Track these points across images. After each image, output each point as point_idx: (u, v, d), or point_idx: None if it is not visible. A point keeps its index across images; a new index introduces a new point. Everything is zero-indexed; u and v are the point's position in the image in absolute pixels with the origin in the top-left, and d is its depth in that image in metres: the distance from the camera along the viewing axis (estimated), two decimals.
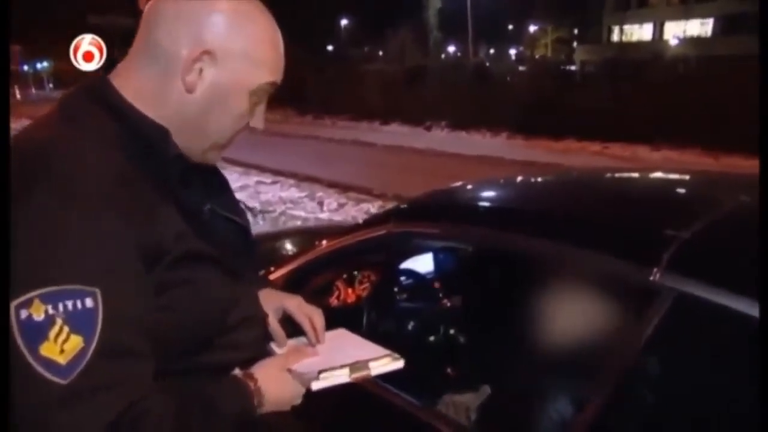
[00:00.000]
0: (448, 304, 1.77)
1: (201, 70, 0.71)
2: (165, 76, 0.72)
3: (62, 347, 0.59)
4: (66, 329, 0.60)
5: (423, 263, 1.87)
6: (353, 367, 0.81)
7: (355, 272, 1.82)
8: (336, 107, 17.46)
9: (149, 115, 0.73)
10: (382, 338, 0.98)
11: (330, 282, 1.78)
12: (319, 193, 7.25)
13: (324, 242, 1.65)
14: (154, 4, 0.73)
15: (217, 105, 0.74)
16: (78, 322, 0.60)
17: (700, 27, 30.67)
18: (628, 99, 11.19)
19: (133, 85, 0.73)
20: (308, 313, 0.92)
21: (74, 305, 0.60)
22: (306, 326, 0.91)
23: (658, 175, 1.78)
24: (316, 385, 0.78)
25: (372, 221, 1.62)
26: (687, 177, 1.70)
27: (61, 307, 0.60)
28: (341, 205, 6.62)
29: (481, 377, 1.41)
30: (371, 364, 0.83)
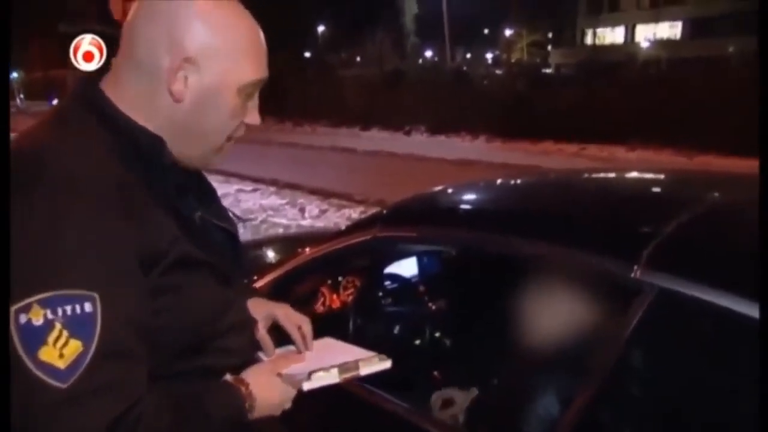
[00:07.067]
0: (434, 307, 1.78)
1: (186, 78, 0.71)
2: (151, 87, 0.72)
3: (61, 352, 0.60)
4: (65, 334, 0.60)
5: (408, 267, 1.87)
6: (342, 367, 0.83)
7: (340, 278, 1.82)
8: (315, 113, 17.40)
9: (143, 125, 0.73)
10: (368, 343, 0.98)
11: (315, 288, 1.77)
12: (301, 200, 7.21)
13: (307, 249, 1.64)
14: (132, 12, 0.72)
15: (207, 108, 0.73)
16: (77, 327, 0.60)
17: (670, 30, 31.49)
18: (602, 101, 11.41)
19: (123, 95, 0.73)
20: (297, 322, 0.93)
21: (73, 310, 0.60)
22: (295, 335, 0.92)
23: (636, 174, 1.82)
24: (307, 386, 0.79)
25: (357, 226, 1.62)
26: (664, 176, 1.74)
27: (60, 311, 0.60)
28: (323, 212, 6.60)
29: (468, 378, 1.41)
30: (360, 364, 0.85)
